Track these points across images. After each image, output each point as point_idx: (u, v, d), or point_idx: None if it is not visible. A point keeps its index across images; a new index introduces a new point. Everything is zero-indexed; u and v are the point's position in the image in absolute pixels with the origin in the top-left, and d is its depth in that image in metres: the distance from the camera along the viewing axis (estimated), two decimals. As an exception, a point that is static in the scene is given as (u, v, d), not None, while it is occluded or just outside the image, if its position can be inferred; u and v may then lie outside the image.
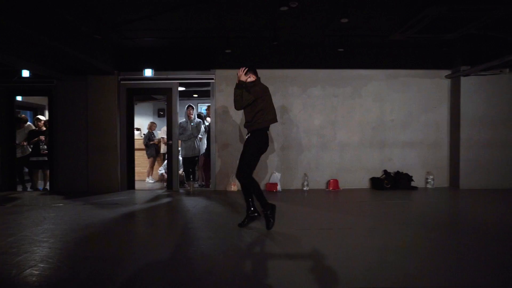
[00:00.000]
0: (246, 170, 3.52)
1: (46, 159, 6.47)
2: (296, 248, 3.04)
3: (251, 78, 3.66)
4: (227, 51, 5.40)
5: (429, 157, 6.35)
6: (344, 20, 4.10)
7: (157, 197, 5.60)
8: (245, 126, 3.69)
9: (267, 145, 3.65)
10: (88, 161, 6.03)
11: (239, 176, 3.57)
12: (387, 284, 2.32)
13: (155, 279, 2.44)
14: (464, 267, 2.60)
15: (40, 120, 6.77)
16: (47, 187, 6.52)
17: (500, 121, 6.12)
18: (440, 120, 6.39)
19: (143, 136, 8.07)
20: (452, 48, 5.20)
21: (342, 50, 5.35)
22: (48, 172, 6.54)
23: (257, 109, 3.53)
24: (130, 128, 6.30)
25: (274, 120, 3.67)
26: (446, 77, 6.36)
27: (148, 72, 6.11)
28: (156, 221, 4.20)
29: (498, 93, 6.12)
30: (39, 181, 6.79)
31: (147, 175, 7.84)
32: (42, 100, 8.79)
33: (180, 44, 5.60)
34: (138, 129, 8.60)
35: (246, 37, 5.04)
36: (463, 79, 6.10)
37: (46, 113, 8.23)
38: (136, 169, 8.03)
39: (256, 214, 3.71)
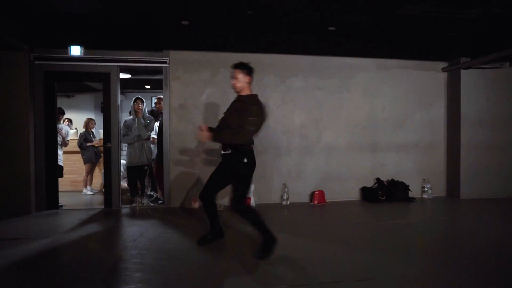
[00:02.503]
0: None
1: None
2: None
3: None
4: (183, 22, 3.98)
5: (424, 162, 5.47)
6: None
7: (87, 221, 4.04)
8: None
9: None
10: (-16, 172, 4.28)
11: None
12: None
13: None
14: None
15: None
16: None
17: (500, 121, 5.42)
18: (436, 120, 5.55)
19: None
20: (458, 33, 4.35)
21: (333, 28, 4.22)
22: None
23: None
24: (50, 125, 4.63)
25: None
26: (443, 70, 5.54)
27: (75, 50, 4.49)
28: (74, 272, 2.62)
29: (496, 90, 5.42)
30: None
31: (84, 185, 6.23)
32: None
33: (120, 12, 4.06)
34: (69, 121, 6.69)
35: (211, 5, 3.70)
36: (463, 73, 5.31)
37: None
38: (72, 177, 6.44)
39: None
